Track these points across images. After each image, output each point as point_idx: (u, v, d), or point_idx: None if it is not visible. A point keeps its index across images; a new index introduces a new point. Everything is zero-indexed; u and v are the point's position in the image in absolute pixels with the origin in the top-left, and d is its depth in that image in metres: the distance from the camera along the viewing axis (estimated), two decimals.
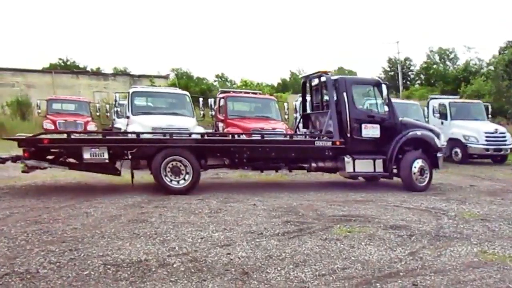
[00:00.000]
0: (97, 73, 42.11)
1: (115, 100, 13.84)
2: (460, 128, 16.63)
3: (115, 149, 8.38)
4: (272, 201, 8.10)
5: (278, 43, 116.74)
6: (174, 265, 4.46)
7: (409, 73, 58.75)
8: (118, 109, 13.89)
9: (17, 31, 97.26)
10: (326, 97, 10.21)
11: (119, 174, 8.79)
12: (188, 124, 12.58)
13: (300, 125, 11.35)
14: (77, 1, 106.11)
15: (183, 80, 38.34)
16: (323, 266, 4.62)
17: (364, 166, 9.50)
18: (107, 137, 8.99)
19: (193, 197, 8.21)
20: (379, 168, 9.55)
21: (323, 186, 10.31)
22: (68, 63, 60.76)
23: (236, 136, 10.26)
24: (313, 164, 9.61)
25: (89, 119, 19.91)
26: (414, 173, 9.58)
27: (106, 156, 8.24)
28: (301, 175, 11.64)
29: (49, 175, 10.39)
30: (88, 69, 51.72)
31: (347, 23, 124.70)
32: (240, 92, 16.70)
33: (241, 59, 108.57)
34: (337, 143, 9.36)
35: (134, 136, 9.09)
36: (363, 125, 9.49)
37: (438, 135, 10.32)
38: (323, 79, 10.05)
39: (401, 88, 46.19)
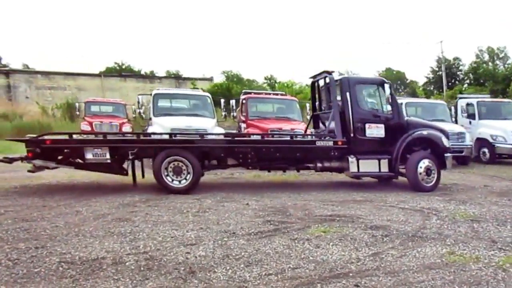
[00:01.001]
0: (144, 76, 43.44)
1: (138, 102, 14.33)
2: (487, 128, 16.05)
3: (116, 149, 8.68)
4: (268, 201, 8.21)
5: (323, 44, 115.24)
6: (127, 263, 4.62)
7: (458, 72, 56.63)
8: (141, 111, 14.37)
9: (76, 37, 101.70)
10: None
11: (126, 174, 9.13)
12: (206, 125, 12.85)
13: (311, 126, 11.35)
14: (133, 7, 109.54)
15: (224, 82, 38.82)
16: (275, 265, 4.68)
17: (368, 166, 9.44)
18: (108, 138, 9.26)
19: (191, 197, 8.42)
20: (385, 168, 9.46)
21: (330, 186, 10.31)
22: (123, 67, 62.92)
23: (237, 137, 10.35)
24: (319, 164, 9.65)
25: (125, 120, 20.64)
26: (420, 173, 9.42)
27: (108, 156, 8.60)
28: (315, 175, 11.68)
29: (66, 175, 10.92)
30: (142, 72, 53.43)
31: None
32: (261, 93, 16.84)
33: (290, 60, 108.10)
34: (339, 143, 9.35)
35: (134, 136, 9.37)
36: (367, 125, 9.44)
37: (447, 135, 10.07)
38: (328, 79, 10.04)
39: (445, 88, 44.67)
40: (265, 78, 65.42)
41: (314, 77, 10.89)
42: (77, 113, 22.54)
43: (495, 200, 8.66)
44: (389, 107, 9.32)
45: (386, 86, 9.32)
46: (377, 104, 9.79)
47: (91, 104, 21.92)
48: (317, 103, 11.24)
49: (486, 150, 15.97)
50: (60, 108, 31.76)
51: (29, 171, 9.07)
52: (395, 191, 9.54)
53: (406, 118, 9.89)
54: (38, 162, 8.76)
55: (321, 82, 10.77)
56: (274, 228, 6.23)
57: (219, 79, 45.00)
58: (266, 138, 10.03)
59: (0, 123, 28.75)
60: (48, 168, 9.02)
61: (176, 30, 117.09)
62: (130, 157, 8.68)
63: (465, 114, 16.50)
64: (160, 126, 12.73)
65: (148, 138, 9.73)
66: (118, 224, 6.30)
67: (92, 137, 9.49)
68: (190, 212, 7.20)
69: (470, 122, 16.44)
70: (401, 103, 15.11)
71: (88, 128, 19.45)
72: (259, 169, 10.22)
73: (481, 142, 16.07)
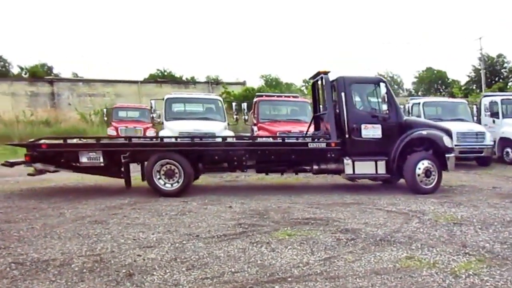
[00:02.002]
0: (178, 82, 44.16)
1: (151, 107, 14.56)
2: (511, 127, 15.23)
3: (109, 153, 8.84)
4: (254, 204, 8.14)
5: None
6: (73, 265, 4.67)
7: (502, 70, 54.22)
8: (154, 115, 14.59)
9: (123, 45, 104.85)
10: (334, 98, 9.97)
11: (123, 177, 9.27)
12: (215, 128, 12.89)
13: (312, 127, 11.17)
14: (176, 16, 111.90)
15: (262, 86, 38.90)
16: (217, 269, 4.60)
17: (365, 167, 9.18)
18: (101, 142, 9.42)
19: (180, 200, 8.46)
20: (382, 170, 9.18)
21: (329, 188, 10.11)
22: (165, 73, 64.28)
23: (228, 139, 10.29)
24: (315, 167, 9.48)
25: (149, 125, 21.00)
26: (419, 175, 9.07)
27: (101, 160, 8.77)
28: (319, 178, 11.49)
29: (75, 178, 11.17)
30: (184, 78, 54.40)
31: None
32: (273, 96, 16.73)
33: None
34: (333, 144, 9.14)
35: (126, 140, 9.51)
36: (362, 126, 9.18)
37: (450, 135, 9.66)
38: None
39: (483, 86, 42.90)
40: (304, 81, 65.26)
41: (313, 77, 10.70)
42: (105, 118, 23.13)
43: (495, 202, 8.23)
44: (384, 107, 9.01)
45: (382, 85, 9.03)
46: (374, 104, 9.47)
47: (119, 109, 22.44)
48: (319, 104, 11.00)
49: (509, 150, 15.18)
50: (97, 114, 32.67)
51: (29, 174, 9.32)
52: (394, 193, 9.23)
53: (404, 118, 9.53)
54: (38, 166, 9.05)
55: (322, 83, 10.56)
56: (242, 231, 6.16)
57: (259, 83, 45.20)
58: (256, 141, 9.90)
59: (40, 129, 29.92)
60: (49, 171, 9.28)
61: (217, 37, 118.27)
62: (123, 160, 8.76)
63: (489, 113, 15.74)
64: (170, 130, 12.90)
65: (139, 141, 9.85)
66: (91, 226, 6.41)
67: (87, 141, 9.65)
68: (169, 214, 7.22)
69: (493, 121, 15.69)
70: (419, 103, 14.72)
71: (114, 133, 19.94)
72: (256, 172, 10.11)
73: (504, 141, 15.29)
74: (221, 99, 14.62)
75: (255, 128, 14.47)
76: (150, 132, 20.40)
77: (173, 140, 9.91)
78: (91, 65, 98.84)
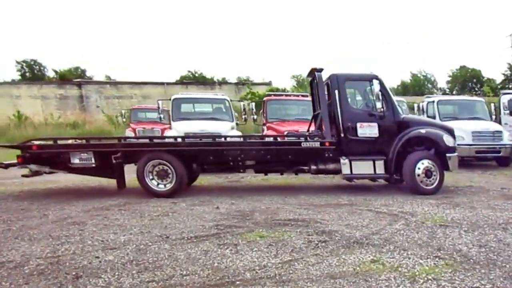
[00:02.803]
0: (204, 83, 44.49)
1: (158, 107, 14.61)
2: None
3: (100, 153, 8.84)
4: (244, 204, 8.01)
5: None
6: (26, 267, 4.62)
7: None
8: (161, 116, 14.65)
9: (156, 48, 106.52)
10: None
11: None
12: (221, 128, 12.81)
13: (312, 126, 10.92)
14: (208, 18, 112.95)
15: (294, 86, 38.74)
16: (168, 272, 4.49)
17: (362, 167, 8.91)
18: (91, 142, 9.42)
19: (170, 200, 8.39)
20: (380, 169, 8.89)
21: (330, 189, 9.89)
22: (196, 74, 64.94)
23: (218, 139, 10.17)
24: (313, 167, 9.28)
25: (167, 126, 21.07)
26: (418, 175, 8.74)
27: (93, 160, 8.78)
28: (325, 178, 11.27)
29: (82, 179, 11.25)
30: (215, 79, 54.78)
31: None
32: (282, 95, 16.52)
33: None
34: (327, 144, 8.91)
35: (116, 140, 9.49)
36: (358, 124, 8.91)
37: (452, 134, 9.27)
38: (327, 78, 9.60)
39: None
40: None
41: (308, 75, 10.47)
42: (124, 120, 23.37)
43: (496, 204, 7.86)
44: (379, 105, 8.71)
45: (375, 82, 8.72)
46: (369, 102, 9.17)
47: (137, 111, 22.63)
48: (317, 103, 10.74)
49: None
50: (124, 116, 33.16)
51: (23, 175, 9.39)
52: (394, 194, 8.93)
53: (402, 116, 9.19)
54: (33, 167, 9.11)
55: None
56: (215, 233, 6.03)
57: (289, 83, 44.94)
58: (248, 140, 9.74)
59: (66, 131, 30.66)
60: (45, 172, 9.35)
61: (249, 38, 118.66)
62: (114, 161, 8.74)
63: (508, 111, 15.09)
64: (176, 130, 12.90)
65: (130, 142, 9.79)
66: (67, 228, 6.38)
67: (77, 142, 9.65)
68: (151, 215, 7.16)
69: None
70: (433, 102, 14.26)
71: (132, 134, 20.11)
72: (254, 172, 9.99)
73: None
74: (229, 99, 14.49)
75: (265, 128, 14.32)
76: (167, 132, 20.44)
77: (166, 140, 9.82)
78: (124, 68, 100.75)
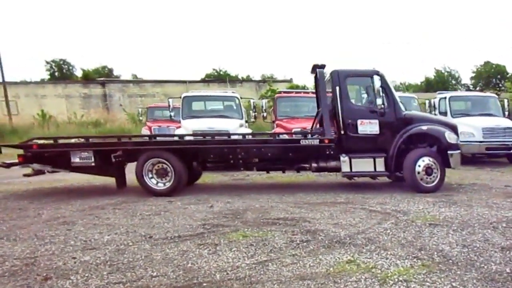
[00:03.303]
0: (225, 80, 44.54)
1: (169, 105, 14.70)
2: None
3: (99, 152, 8.92)
4: (239, 203, 7.98)
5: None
6: None
7: None
8: (172, 114, 14.73)
9: (181, 46, 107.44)
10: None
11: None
12: (229, 126, 12.77)
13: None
14: (230, 17, 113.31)
15: (296, 84, 38.54)
16: (139, 273, 4.48)
17: (362, 165, 8.77)
18: (90, 141, 9.49)
19: (167, 199, 8.39)
20: (380, 167, 8.73)
21: (331, 186, 9.76)
22: (221, 72, 65.23)
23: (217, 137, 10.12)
24: (314, 164, 9.18)
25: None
26: (419, 173, 8.55)
27: (93, 159, 8.87)
28: (330, 176, 11.14)
29: (89, 178, 11.32)
30: (239, 77, 54.97)
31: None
32: (291, 92, 16.39)
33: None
34: (326, 141, 8.79)
35: (115, 139, 9.55)
36: (359, 121, 8.77)
37: (455, 131, 9.04)
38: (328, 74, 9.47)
39: None
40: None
41: (311, 71, 10.35)
42: (140, 118, 23.56)
43: (494, 202, 7.65)
44: (379, 101, 8.55)
45: (376, 78, 8.56)
46: (370, 99, 9.01)
47: (154, 109, 22.77)
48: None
49: None
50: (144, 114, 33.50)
51: (24, 175, 9.55)
52: (394, 192, 8.78)
53: (404, 112, 9.00)
54: (36, 166, 9.24)
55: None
56: (200, 232, 6.03)
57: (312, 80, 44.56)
58: (246, 138, 9.69)
59: (88, 130, 31.16)
60: (47, 171, 9.48)
61: (274, 35, 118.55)
62: (113, 160, 8.81)
63: None
64: (185, 128, 12.95)
65: (128, 141, 9.83)
66: (55, 228, 6.43)
67: (77, 141, 9.75)
68: (142, 215, 7.19)
69: None
70: (445, 98, 13.95)
71: (148, 133, 20.26)
72: (256, 170, 9.95)
73: None
74: (238, 97, 14.45)
75: (275, 125, 14.27)
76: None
77: (165, 139, 9.85)
78: (150, 67, 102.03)
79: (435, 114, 14.47)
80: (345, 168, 8.74)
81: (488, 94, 17.94)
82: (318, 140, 8.89)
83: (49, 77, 63.15)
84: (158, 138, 9.97)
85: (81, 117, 35.78)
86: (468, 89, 56.37)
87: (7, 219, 7.06)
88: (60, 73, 65.02)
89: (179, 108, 21.00)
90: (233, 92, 14.93)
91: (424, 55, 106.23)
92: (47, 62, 65.97)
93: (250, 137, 10.32)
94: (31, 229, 6.36)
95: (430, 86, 54.78)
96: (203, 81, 43.11)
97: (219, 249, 5.27)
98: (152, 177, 8.87)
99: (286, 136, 10.36)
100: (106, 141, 9.87)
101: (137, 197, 8.67)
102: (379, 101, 8.46)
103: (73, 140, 9.71)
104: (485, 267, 4.46)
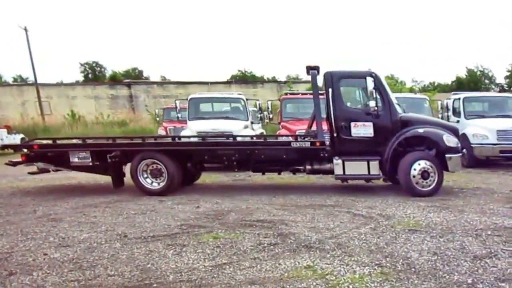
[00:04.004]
0: (246, 81, 44.70)
1: (176, 107, 14.81)
2: None
3: (96, 152, 9.07)
4: (227, 203, 7.96)
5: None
6: None
7: None
8: (179, 115, 14.84)
9: (207, 48, 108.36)
10: None
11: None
12: (233, 127, 12.77)
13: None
14: (258, 18, 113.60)
15: None
16: (98, 271, 4.52)
17: (356, 168, 8.61)
18: (87, 142, 9.67)
19: (158, 199, 8.45)
20: (375, 170, 8.56)
21: (326, 189, 9.60)
22: (247, 73, 65.43)
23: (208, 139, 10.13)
24: (308, 166, 9.10)
25: None
26: (414, 176, 8.34)
27: (90, 159, 9.01)
28: (331, 177, 10.94)
29: (98, 176, 11.49)
30: (265, 77, 55.05)
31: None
32: (297, 94, 16.25)
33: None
34: (317, 144, 8.68)
35: (110, 140, 9.68)
36: (352, 124, 8.61)
37: (455, 133, 8.79)
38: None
39: None
40: (386, 77, 63.10)
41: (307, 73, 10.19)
42: (157, 119, 23.78)
43: (490, 208, 7.39)
44: (372, 103, 8.37)
45: (369, 79, 8.38)
46: (365, 100, 8.83)
47: (170, 110, 22.86)
48: None
49: None
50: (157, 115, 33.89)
51: (29, 173, 9.92)
52: (388, 195, 8.59)
53: (400, 115, 8.78)
54: (40, 165, 9.55)
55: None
56: (175, 233, 6.04)
57: None
58: (237, 140, 9.65)
59: (112, 130, 31.73)
60: (52, 170, 9.72)
61: (301, 36, 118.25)
62: (109, 160, 8.96)
63: None
64: (190, 129, 13.05)
65: (123, 142, 9.95)
66: (43, 224, 6.58)
67: (74, 141, 9.94)
68: (128, 214, 7.26)
69: None
70: (459, 98, 13.59)
71: (164, 133, 20.43)
72: (252, 172, 9.93)
73: None
74: (244, 98, 14.43)
75: (280, 127, 14.21)
76: None
77: (158, 140, 9.93)
78: (179, 68, 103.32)
79: (448, 116, 14.12)
80: (338, 171, 8.60)
81: (506, 94, 17.32)
82: (309, 143, 8.77)
83: (83, 78, 64.81)
84: (152, 140, 10.00)
85: (107, 117, 36.48)
86: (502, 89, 54.76)
87: (4, 215, 7.27)
88: (93, 75, 66.64)
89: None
90: (239, 94, 14.91)
91: (456, 53, 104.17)
92: (81, 64, 67.75)
93: (248, 139, 10.26)
94: (20, 225, 6.51)
95: (461, 85, 53.41)
96: (224, 82, 43.21)
97: (185, 250, 5.25)
98: (147, 177, 8.95)
99: (285, 138, 10.23)
100: (102, 142, 10.01)
101: (131, 197, 8.74)
102: (372, 103, 8.28)
103: (74, 141, 9.88)
104: (447, 277, 4.30)
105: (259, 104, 15.03)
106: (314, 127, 9.29)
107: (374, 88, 8.27)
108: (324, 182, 10.60)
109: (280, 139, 10.02)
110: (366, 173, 8.55)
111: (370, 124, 8.50)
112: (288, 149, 8.91)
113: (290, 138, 9.50)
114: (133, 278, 4.37)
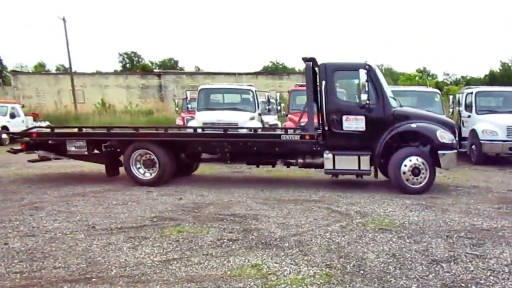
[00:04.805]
0: (273, 73, 44.45)
1: (186, 97, 14.85)
2: None
3: (92, 142, 9.18)
4: (212, 196, 7.94)
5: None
6: None
7: None
8: (189, 105, 14.89)
9: (240, 39, 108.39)
10: None
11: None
12: (239, 118, 12.74)
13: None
14: (289, 10, 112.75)
15: None
16: (47, 263, 4.57)
17: (346, 163, 8.40)
18: (83, 131, 9.80)
19: (146, 189, 8.48)
20: (365, 165, 8.33)
21: (318, 184, 9.39)
22: (279, 65, 65.16)
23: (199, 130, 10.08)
24: (300, 160, 8.97)
25: None
26: (404, 173, 8.07)
27: (86, 148, 9.14)
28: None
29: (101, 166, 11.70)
30: (297, 69, 54.70)
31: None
32: (305, 86, 15.91)
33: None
34: (307, 137, 8.52)
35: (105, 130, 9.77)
36: (344, 117, 8.40)
37: (452, 129, 8.45)
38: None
39: None
40: (417, 71, 61.62)
41: None
42: (176, 109, 23.89)
43: (477, 208, 7.09)
44: (363, 96, 8.12)
45: (361, 72, 8.12)
46: (358, 94, 8.56)
47: (191, 100, 22.99)
48: None
49: None
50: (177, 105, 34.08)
51: (29, 160, 10.18)
52: (377, 192, 8.33)
53: (393, 109, 8.49)
54: (41, 153, 9.76)
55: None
56: (143, 225, 6.05)
57: None
58: (228, 132, 9.54)
59: (138, 119, 32.19)
60: (53, 158, 9.91)
61: (334, 26, 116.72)
62: (103, 149, 9.07)
63: None
64: (196, 120, 13.07)
65: (117, 131, 10.02)
66: (22, 213, 6.70)
67: (71, 130, 10.10)
68: (109, 204, 7.32)
69: None
70: (471, 93, 13.09)
71: (181, 123, 20.51)
72: (246, 164, 9.87)
73: None
74: (253, 90, 14.32)
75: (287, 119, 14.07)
76: None
77: (150, 130, 9.97)
78: (213, 59, 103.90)
79: (459, 111, 13.62)
80: (328, 165, 8.41)
81: None
82: (299, 136, 8.62)
83: (121, 68, 66.01)
84: (145, 130, 10.05)
85: (135, 106, 37.04)
86: None
87: None
88: (131, 65, 67.85)
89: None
90: (248, 85, 14.81)
91: (490, 47, 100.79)
92: (120, 54, 69.08)
93: (245, 131, 10.19)
94: (1, 213, 6.63)
95: (494, 80, 51.50)
96: (252, 73, 43.16)
97: (143, 243, 5.25)
98: (140, 167, 9.02)
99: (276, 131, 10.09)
100: (97, 131, 10.13)
101: (123, 186, 8.81)
102: (363, 96, 8.03)
103: (76, 130, 10.06)
104: (393, 281, 4.14)
105: (268, 95, 14.92)
106: (303, 120, 9.12)
107: (366, 81, 8.01)
108: (321, 176, 10.35)
109: (270, 131, 9.81)
110: (357, 168, 8.33)
111: (362, 117, 8.27)
112: (278, 142, 8.77)
113: (280, 131, 9.30)
114: (77, 271, 4.38)
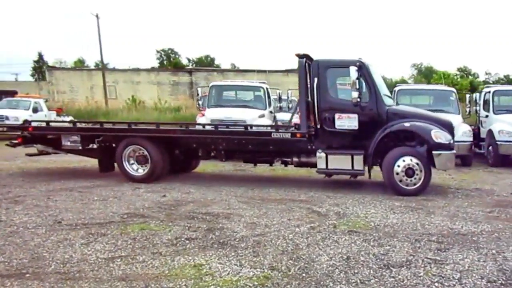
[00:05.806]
0: None
1: (197, 94, 14.80)
2: None
3: (85, 137, 9.21)
4: (198, 194, 7.83)
5: None
6: None
7: None
8: (200, 102, 14.84)
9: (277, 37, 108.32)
10: None
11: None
12: (247, 116, 12.59)
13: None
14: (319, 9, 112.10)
15: None
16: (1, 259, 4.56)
17: (339, 162, 8.11)
18: (77, 126, 9.83)
19: (136, 185, 8.44)
20: (359, 165, 8.02)
21: (314, 183, 9.10)
22: None
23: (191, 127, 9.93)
24: (295, 159, 8.75)
25: None
26: (397, 173, 7.71)
27: (80, 143, 9.19)
28: None
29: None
30: None
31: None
32: None
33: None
34: (298, 135, 8.27)
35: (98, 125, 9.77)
36: (336, 115, 8.10)
37: (449, 128, 8.02)
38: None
39: None
40: (458, 70, 59.68)
41: None
42: (197, 106, 23.92)
43: (468, 212, 6.69)
44: (355, 94, 7.79)
45: (352, 68, 7.79)
46: (351, 91, 8.20)
47: (202, 97, 23.00)
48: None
49: None
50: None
51: (27, 154, 10.32)
52: (370, 193, 8.00)
53: (387, 107, 8.11)
54: (39, 147, 9.88)
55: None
56: (109, 222, 5.98)
57: (409, 72, 42.59)
58: (220, 129, 9.37)
59: (165, 115, 32.47)
60: (51, 152, 10.03)
61: (369, 25, 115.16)
62: (97, 144, 9.07)
63: None
64: (206, 117, 13.01)
65: (110, 127, 10.00)
66: (0, 206, 6.77)
67: (65, 125, 10.15)
68: (91, 199, 7.29)
69: None
70: (489, 92, 12.48)
71: (200, 120, 20.56)
72: (243, 162, 9.71)
73: None
74: (264, 87, 14.11)
75: None
76: None
77: (142, 126, 9.92)
78: (250, 56, 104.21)
79: (476, 110, 13.01)
80: (321, 164, 8.14)
81: None
82: (290, 134, 8.37)
83: (158, 65, 66.85)
84: (137, 126, 10.02)
85: (164, 102, 37.37)
86: None
87: None
88: (168, 62, 68.62)
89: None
90: (260, 82, 14.61)
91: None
92: (157, 51, 70.04)
93: (242, 128, 9.98)
94: None
95: None
96: (283, 71, 42.74)
97: (99, 240, 5.17)
98: (133, 163, 8.98)
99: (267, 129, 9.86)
100: (90, 126, 10.15)
101: (115, 182, 8.78)
102: (354, 93, 7.72)
103: (66, 124, 10.11)
104: (330, 285, 3.90)
105: (279, 93, 14.69)
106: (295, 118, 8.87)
107: (357, 78, 7.69)
108: (321, 176, 10.04)
109: (262, 129, 9.59)
110: (350, 168, 8.03)
111: (355, 116, 7.95)
112: (272, 140, 8.55)
113: (271, 129, 9.09)
114: (16, 266, 4.33)
